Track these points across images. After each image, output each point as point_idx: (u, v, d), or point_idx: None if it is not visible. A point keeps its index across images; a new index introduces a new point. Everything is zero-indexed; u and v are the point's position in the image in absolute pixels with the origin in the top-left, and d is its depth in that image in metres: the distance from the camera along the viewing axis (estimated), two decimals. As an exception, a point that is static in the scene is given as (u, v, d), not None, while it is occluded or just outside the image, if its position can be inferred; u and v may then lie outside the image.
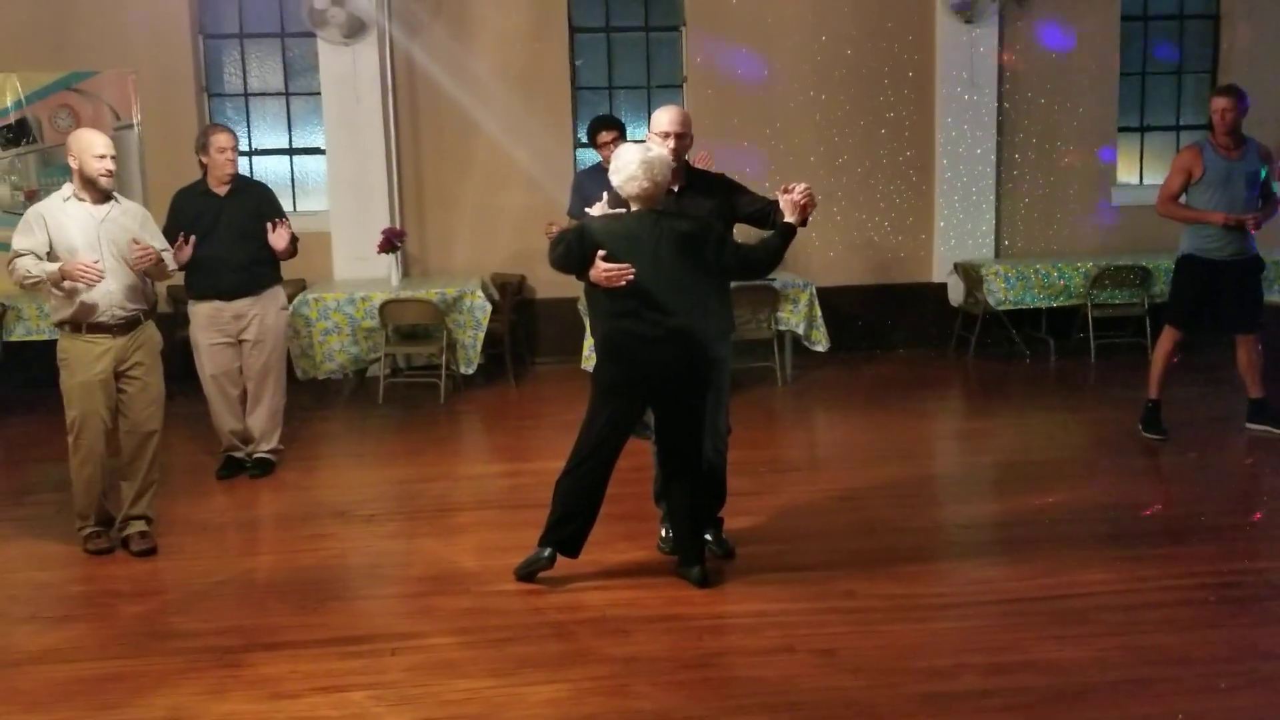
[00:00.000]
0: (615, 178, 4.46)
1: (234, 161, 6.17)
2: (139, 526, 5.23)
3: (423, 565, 5.01)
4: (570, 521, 4.62)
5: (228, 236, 6.04)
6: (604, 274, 4.41)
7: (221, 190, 6.17)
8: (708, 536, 4.87)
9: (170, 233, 5.87)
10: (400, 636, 4.25)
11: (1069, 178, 9.85)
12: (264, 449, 6.40)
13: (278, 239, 6.12)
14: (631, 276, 4.39)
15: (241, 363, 6.29)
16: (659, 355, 4.47)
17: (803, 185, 4.47)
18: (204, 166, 6.22)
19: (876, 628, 4.22)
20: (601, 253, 4.41)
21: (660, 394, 4.55)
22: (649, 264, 4.40)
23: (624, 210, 4.56)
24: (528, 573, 4.68)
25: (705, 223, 4.56)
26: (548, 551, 4.65)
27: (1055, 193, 9.86)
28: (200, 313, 6.20)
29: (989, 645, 4.06)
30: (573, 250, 4.50)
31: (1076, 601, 4.41)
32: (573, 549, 4.66)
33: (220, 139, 6.13)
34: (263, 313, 6.25)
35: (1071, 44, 9.66)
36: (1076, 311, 9.16)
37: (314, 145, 9.53)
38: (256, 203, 6.26)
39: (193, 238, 5.78)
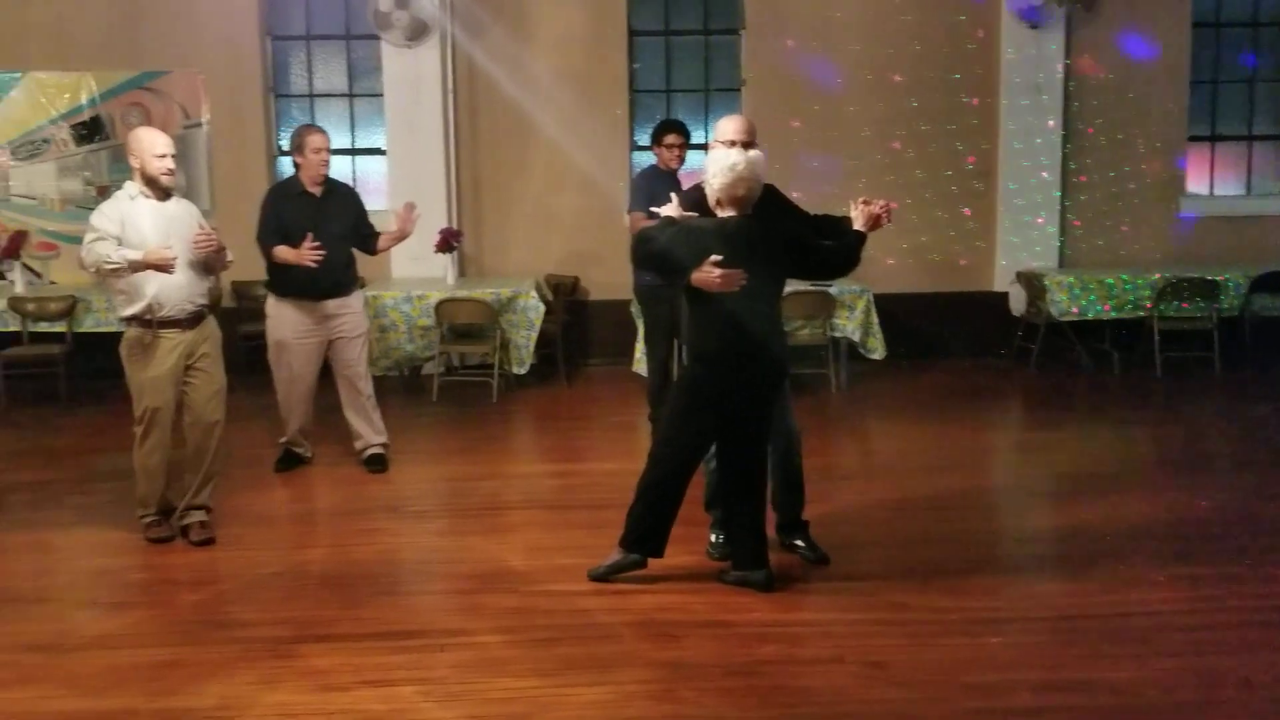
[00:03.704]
0: (716, 179, 4.39)
1: (327, 162, 6.23)
2: (198, 516, 5.32)
3: (472, 563, 5.03)
4: (661, 524, 4.60)
5: (326, 237, 6.06)
6: (717, 278, 4.29)
7: (316, 190, 6.23)
8: (798, 543, 4.89)
9: (269, 228, 6.03)
10: (448, 633, 4.27)
11: (1136, 187, 9.69)
12: (376, 443, 6.47)
13: (407, 221, 6.29)
14: (745, 281, 4.29)
15: (334, 360, 6.35)
16: (756, 363, 4.46)
17: (884, 201, 4.58)
18: (297, 166, 6.26)
19: (928, 641, 4.16)
20: (716, 257, 4.28)
21: (741, 402, 4.51)
22: (750, 269, 4.32)
23: (695, 214, 4.53)
24: (606, 575, 4.66)
25: (794, 227, 4.58)
26: (636, 555, 4.64)
27: (1122, 202, 9.71)
28: (288, 311, 6.22)
29: (1043, 662, 3.99)
30: (675, 248, 4.36)
31: (1136, 620, 4.32)
32: (660, 550, 4.65)
33: (315, 139, 6.18)
34: (354, 309, 6.35)
35: (1141, 51, 9.50)
36: (1142, 324, 8.98)
37: (375, 146, 9.63)
38: (349, 204, 6.36)
39: (317, 242, 5.93)
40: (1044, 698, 3.74)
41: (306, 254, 5.91)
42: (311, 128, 6.29)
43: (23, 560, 5.27)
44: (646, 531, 4.62)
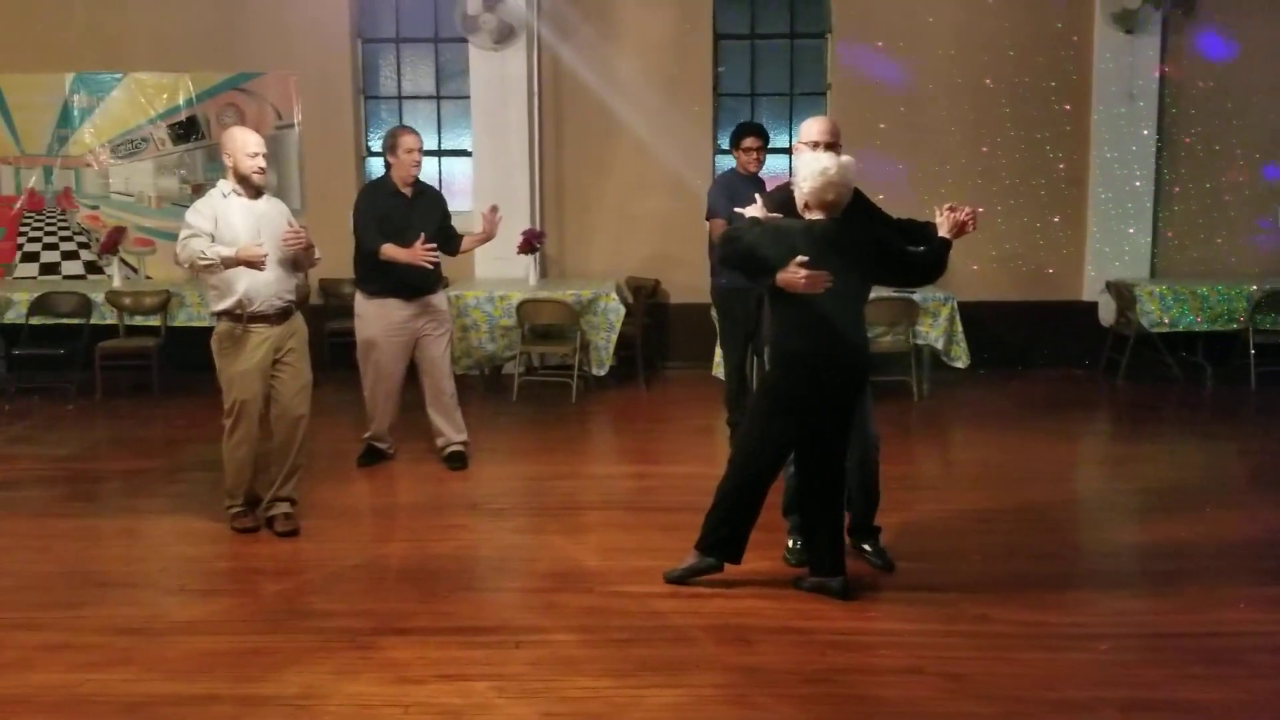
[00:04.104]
0: (806, 183, 4.36)
1: (419, 163, 6.31)
2: (284, 508, 5.42)
3: (548, 561, 5.06)
4: (739, 529, 4.58)
5: (417, 236, 6.14)
6: (803, 278, 4.26)
7: (408, 191, 6.32)
8: (866, 547, 4.86)
9: (365, 224, 6.15)
10: (524, 630, 4.30)
11: (1232, 195, 9.41)
12: (457, 440, 6.56)
13: (491, 224, 6.41)
14: (830, 283, 4.27)
15: (420, 357, 6.43)
16: (839, 368, 4.43)
17: (970, 208, 4.53)
18: (389, 166, 6.36)
19: (1008, 654, 4.08)
20: (802, 258, 4.26)
21: (823, 407, 4.47)
22: (837, 272, 4.29)
23: (779, 215, 4.51)
24: (683, 578, 4.66)
25: (882, 232, 4.56)
26: (712, 559, 4.63)
27: (1217, 211, 9.44)
28: (380, 310, 6.31)
29: (1128, 680, 3.89)
30: (762, 247, 4.33)
31: (1225, 640, 4.19)
32: (738, 555, 4.64)
33: (408, 140, 6.27)
34: (440, 308, 6.45)
35: (1239, 56, 9.22)
36: (1236, 337, 8.73)
37: (461, 148, 9.75)
38: (437, 205, 6.46)
39: (432, 244, 6.08)
40: (1130, 716, 3.65)
41: (420, 254, 6.02)
42: (405, 129, 6.37)
43: (116, 546, 5.44)
44: (724, 537, 4.60)
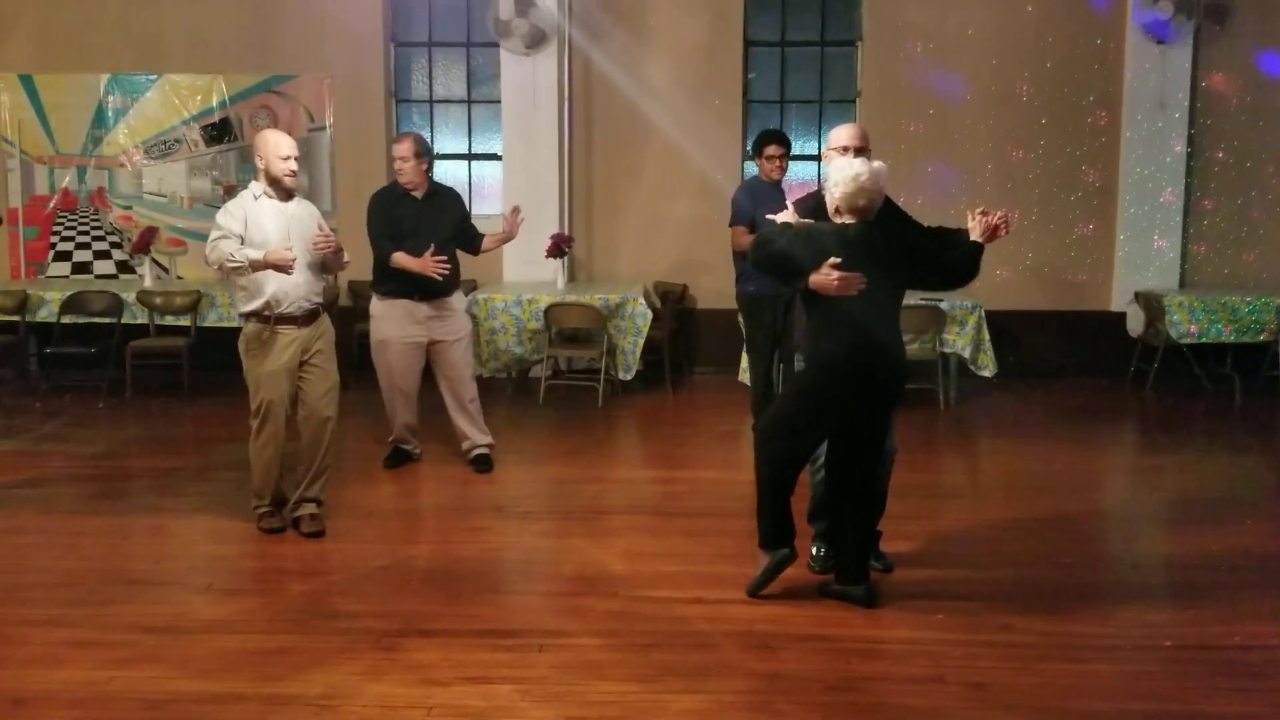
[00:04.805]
0: (838, 188, 4.36)
1: (407, 170, 6.23)
2: (310, 509, 5.46)
3: (573, 565, 5.08)
4: (789, 514, 4.56)
5: (429, 239, 6.16)
6: (835, 280, 4.26)
7: (417, 194, 6.33)
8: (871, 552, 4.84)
9: (376, 230, 6.19)
10: (548, 634, 4.32)
11: (1264, 208, 9.34)
12: (482, 443, 6.58)
13: (513, 224, 6.45)
14: (863, 286, 4.26)
15: (438, 362, 6.45)
16: (874, 373, 4.41)
17: (1002, 212, 4.53)
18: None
19: (1032, 665, 4.07)
20: (835, 260, 4.25)
21: (856, 411, 4.47)
22: (870, 276, 4.29)
23: (810, 221, 4.51)
24: (764, 583, 4.60)
25: (914, 236, 4.57)
26: (783, 550, 4.55)
27: (1247, 223, 9.38)
28: (393, 311, 6.33)
29: (1153, 692, 3.87)
30: (795, 251, 4.34)
31: (1252, 654, 4.16)
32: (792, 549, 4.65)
33: (396, 147, 6.29)
34: (457, 310, 6.46)
35: (1275, 70, 9.15)
36: (1266, 349, 8.65)
37: (492, 151, 9.80)
38: (452, 206, 6.47)
39: (443, 256, 6.09)
40: (1153, 730, 3.63)
41: (430, 265, 6.04)
42: (400, 135, 6.42)
43: (144, 544, 5.50)
44: (782, 526, 4.56)
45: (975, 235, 4.51)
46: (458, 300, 6.51)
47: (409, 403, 6.50)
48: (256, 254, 5.08)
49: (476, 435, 6.57)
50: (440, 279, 6.11)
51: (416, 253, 6.10)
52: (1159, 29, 8.88)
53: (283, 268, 5.07)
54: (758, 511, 4.62)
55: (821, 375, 4.46)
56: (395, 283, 6.27)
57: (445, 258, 6.09)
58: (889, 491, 4.83)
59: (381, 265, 6.27)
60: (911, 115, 9.31)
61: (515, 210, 6.50)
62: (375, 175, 9.54)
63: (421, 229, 6.19)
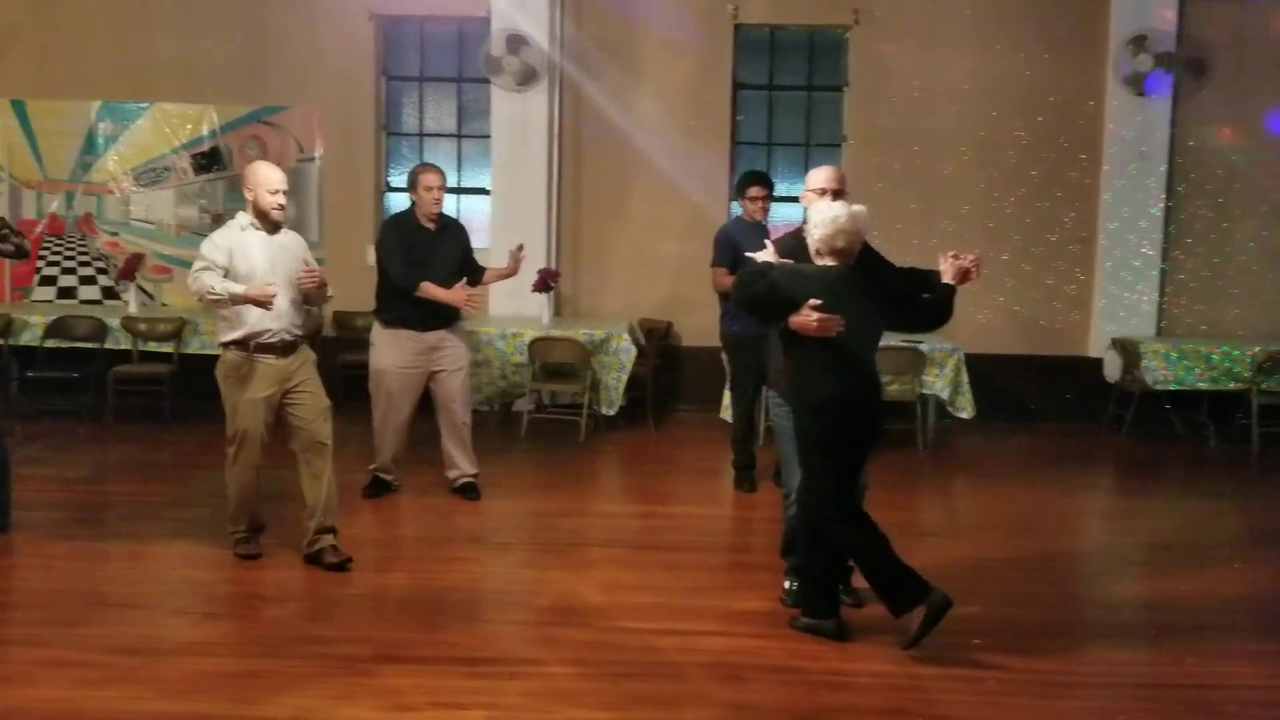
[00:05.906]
0: (818, 230, 4.46)
1: (440, 201, 6.36)
2: (329, 540, 5.37)
3: (550, 595, 5.11)
4: (913, 572, 4.48)
5: (442, 270, 6.27)
6: (816, 321, 4.32)
7: (431, 226, 6.40)
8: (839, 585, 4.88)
9: (396, 259, 6.23)
10: (521, 662, 4.35)
11: (1240, 257, 9.48)
12: (470, 473, 6.63)
13: (517, 262, 6.59)
14: (842, 327, 4.34)
15: (437, 391, 6.50)
16: (864, 410, 4.49)
17: (973, 255, 4.63)
18: (414, 202, 6.44)
19: (998, 699, 4.11)
20: (815, 301, 4.33)
21: (850, 448, 4.53)
22: (851, 317, 4.37)
23: (789, 262, 4.59)
24: (926, 630, 4.41)
25: (893, 279, 4.67)
26: (935, 594, 4.40)
27: (1225, 272, 9.52)
28: (394, 340, 6.37)
29: (1117, 730, 3.92)
30: (778, 291, 4.40)
31: (1216, 693, 4.21)
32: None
33: (428, 178, 6.35)
34: (456, 342, 6.52)
35: (1251, 118, 9.32)
36: (1240, 397, 8.76)
37: (480, 185, 9.89)
38: (459, 240, 6.56)
39: (472, 289, 6.30)
40: (1116, 766, 3.67)
41: (462, 297, 6.21)
42: (427, 166, 6.47)
43: (120, 568, 5.49)
44: (910, 578, 4.44)
45: (947, 277, 4.61)
46: (458, 330, 6.58)
47: (401, 433, 6.52)
48: (238, 288, 5.09)
49: (466, 465, 6.61)
50: (474, 311, 6.31)
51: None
52: (1143, 82, 9.04)
53: (263, 303, 5.10)
54: (881, 586, 4.48)
55: (819, 419, 4.49)
56: (400, 311, 6.32)
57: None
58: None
59: (388, 292, 6.32)
60: (895, 160, 9.45)
61: (519, 248, 6.60)
62: (364, 207, 9.65)
63: (432, 260, 6.28)
